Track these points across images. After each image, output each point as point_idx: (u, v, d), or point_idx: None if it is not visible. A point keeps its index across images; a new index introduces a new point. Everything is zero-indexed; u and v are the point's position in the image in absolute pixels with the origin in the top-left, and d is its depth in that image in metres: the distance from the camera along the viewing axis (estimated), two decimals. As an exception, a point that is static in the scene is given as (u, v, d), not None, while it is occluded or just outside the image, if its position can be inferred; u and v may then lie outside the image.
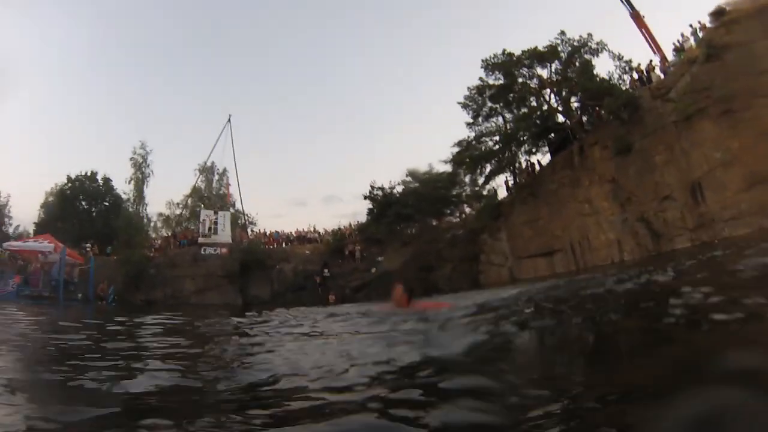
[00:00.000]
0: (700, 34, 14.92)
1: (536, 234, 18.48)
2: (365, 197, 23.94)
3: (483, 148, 21.16)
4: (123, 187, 30.15)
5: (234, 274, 22.85)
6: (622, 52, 18.20)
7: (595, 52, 18.78)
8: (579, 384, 1.98)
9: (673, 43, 15.89)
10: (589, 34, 18.94)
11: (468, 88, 21.34)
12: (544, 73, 20.15)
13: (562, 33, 19.47)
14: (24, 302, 14.93)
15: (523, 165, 21.37)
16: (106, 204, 29.12)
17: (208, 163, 31.87)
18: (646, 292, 4.50)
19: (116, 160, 72.45)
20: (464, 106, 21.54)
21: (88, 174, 29.20)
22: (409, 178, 23.64)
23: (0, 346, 4.14)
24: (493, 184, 22.02)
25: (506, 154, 20.81)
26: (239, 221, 29.51)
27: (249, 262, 23.07)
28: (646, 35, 17.82)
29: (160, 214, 31.83)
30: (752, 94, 12.48)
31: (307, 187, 61.91)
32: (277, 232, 28.34)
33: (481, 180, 22.01)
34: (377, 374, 2.26)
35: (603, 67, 45.79)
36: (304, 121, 71.21)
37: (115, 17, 64.82)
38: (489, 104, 21.15)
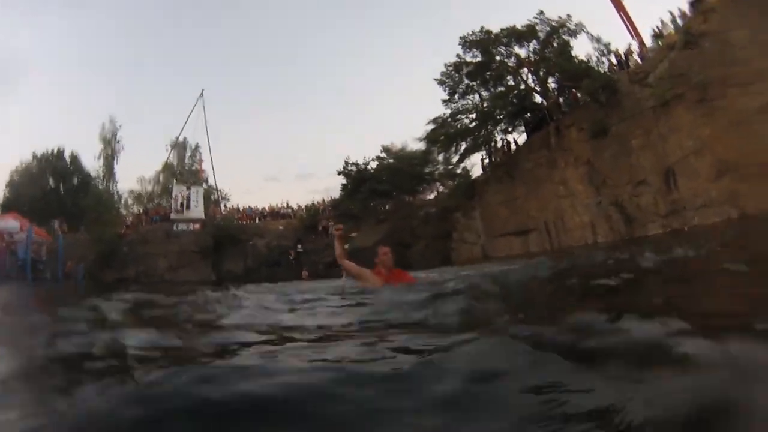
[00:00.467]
0: (679, 21, 15.15)
1: (512, 213, 18.65)
2: (339, 173, 23.55)
3: (459, 125, 21.00)
4: (92, 164, 29.22)
5: (207, 249, 22.36)
6: (601, 35, 18.35)
7: (574, 34, 18.79)
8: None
9: (652, 29, 16.10)
10: (568, 15, 18.92)
11: (445, 64, 20.92)
12: (522, 52, 20.00)
13: (541, 13, 19.28)
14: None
15: (499, 144, 21.44)
16: (75, 183, 28.39)
17: (181, 139, 30.74)
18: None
19: (85, 136, 68.20)
20: (441, 82, 21.13)
21: (55, 152, 28.48)
22: (383, 155, 23.40)
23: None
24: (467, 162, 22.09)
25: (482, 132, 20.77)
26: (212, 197, 28.88)
27: (222, 238, 22.63)
28: (625, 19, 17.98)
29: (132, 191, 30.47)
30: (726, 83, 12.77)
31: (281, 164, 60.56)
32: (250, 207, 27.90)
33: (455, 158, 22.00)
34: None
35: (581, 49, 46.04)
36: (278, 96, 69.83)
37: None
38: (466, 81, 20.84)
